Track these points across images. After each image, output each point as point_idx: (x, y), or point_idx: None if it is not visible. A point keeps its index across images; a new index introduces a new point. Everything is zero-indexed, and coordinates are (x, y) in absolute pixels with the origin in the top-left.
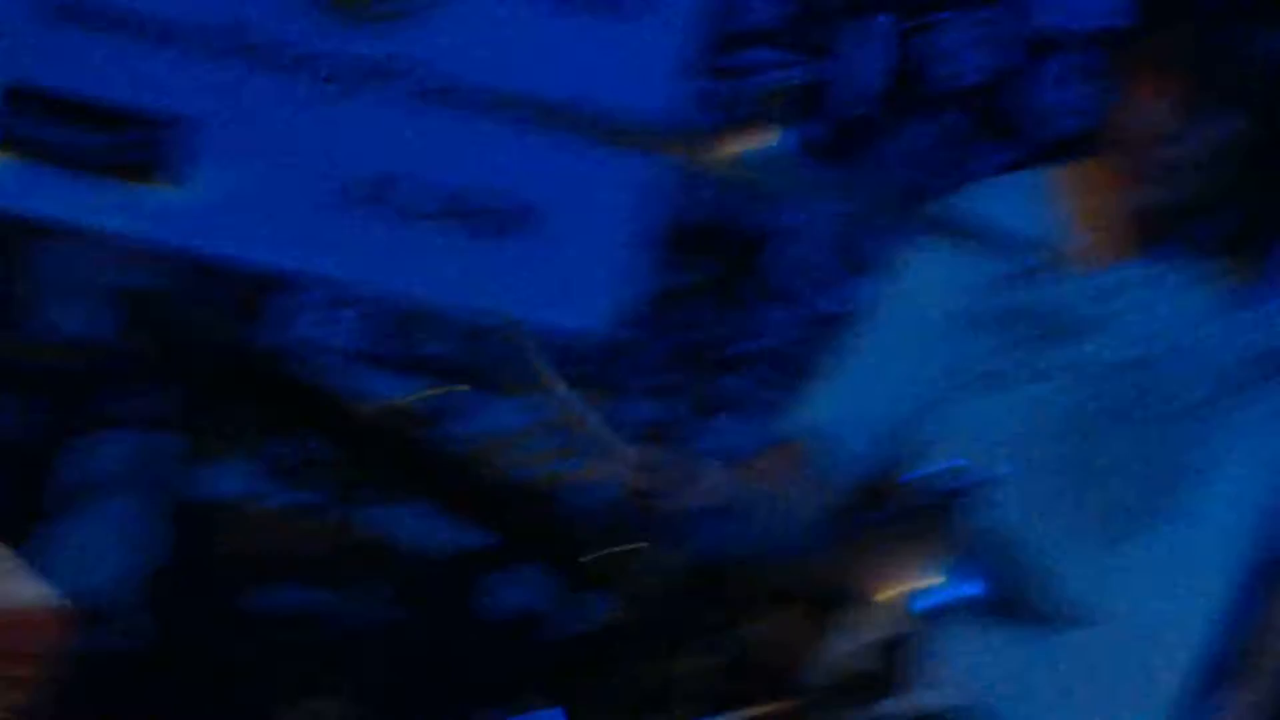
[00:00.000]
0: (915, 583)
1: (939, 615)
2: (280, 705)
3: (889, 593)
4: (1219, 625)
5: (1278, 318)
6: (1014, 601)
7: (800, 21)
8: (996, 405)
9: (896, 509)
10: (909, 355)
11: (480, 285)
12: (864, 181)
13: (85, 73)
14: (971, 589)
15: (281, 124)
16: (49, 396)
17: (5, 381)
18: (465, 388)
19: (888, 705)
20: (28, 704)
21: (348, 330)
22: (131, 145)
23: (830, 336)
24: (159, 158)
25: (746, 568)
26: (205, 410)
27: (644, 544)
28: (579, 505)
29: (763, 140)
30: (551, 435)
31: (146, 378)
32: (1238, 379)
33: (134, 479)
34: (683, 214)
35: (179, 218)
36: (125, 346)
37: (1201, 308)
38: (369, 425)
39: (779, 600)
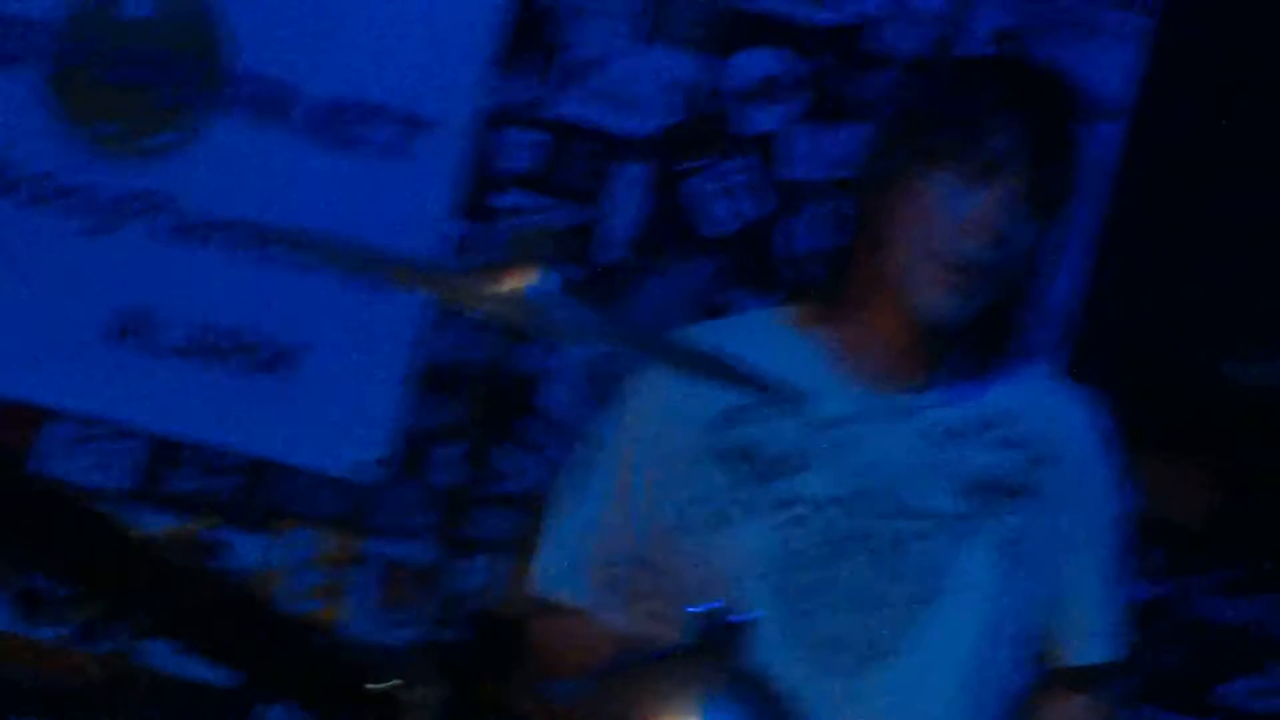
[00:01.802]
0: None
1: None
2: None
3: None
4: None
5: (993, 449)
6: None
7: (560, 167)
8: (724, 541)
9: (652, 651)
10: (641, 493)
11: (237, 424)
12: (624, 324)
13: None
14: None
15: (39, 257)
16: None
17: None
18: (219, 522)
19: None
20: None
21: (104, 465)
22: None
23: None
24: None
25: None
26: None
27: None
28: (344, 641)
29: (522, 282)
30: (316, 572)
31: None
32: (956, 509)
33: None
34: (441, 355)
35: None
36: None
37: (921, 440)
38: (139, 556)
39: None
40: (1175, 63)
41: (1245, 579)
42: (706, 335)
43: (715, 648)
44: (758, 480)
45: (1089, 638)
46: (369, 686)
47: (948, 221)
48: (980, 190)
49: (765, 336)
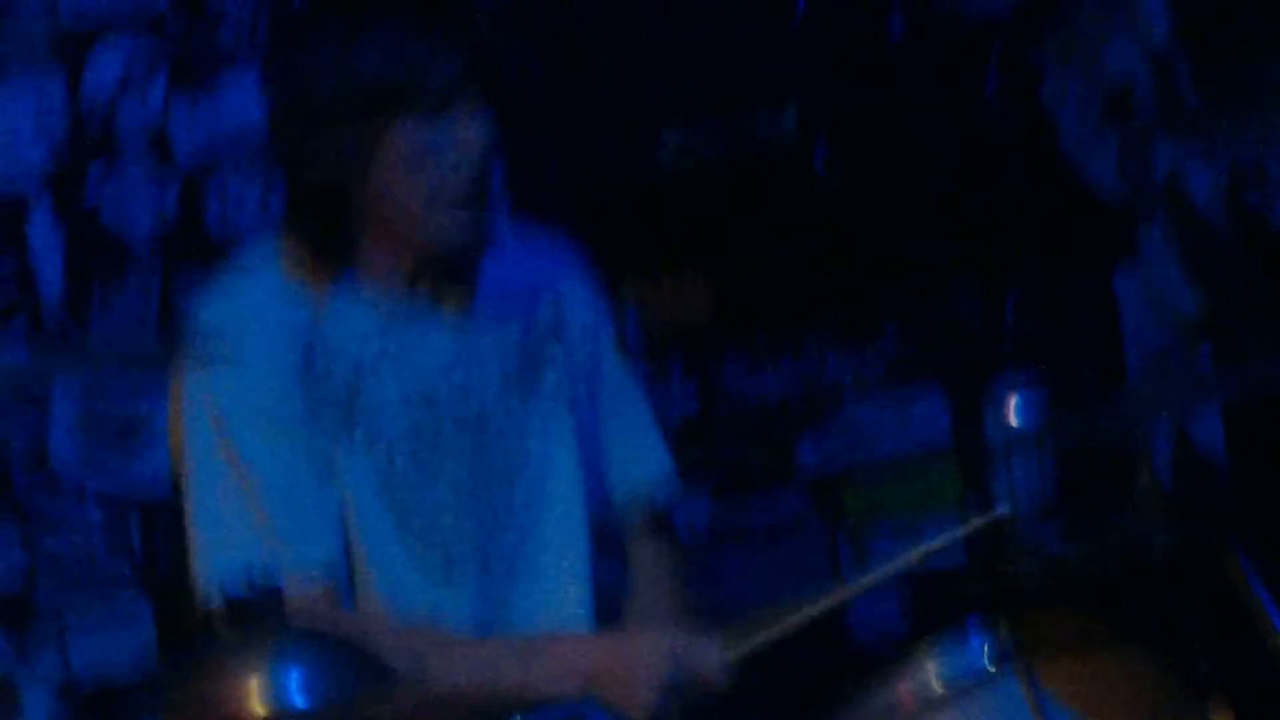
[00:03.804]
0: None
1: None
2: None
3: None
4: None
5: (513, 321)
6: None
7: None
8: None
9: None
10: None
11: None
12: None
13: None
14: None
15: None
16: None
17: None
18: None
19: None
20: None
21: None
22: None
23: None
24: None
25: None
26: None
27: None
28: None
29: None
30: None
31: None
32: (503, 387)
33: None
34: None
35: None
36: None
37: (453, 337)
38: None
39: None
40: None
41: (763, 352)
42: (222, 301)
43: (254, 619)
44: (340, 422)
45: (640, 466)
46: None
47: (435, 167)
48: (447, 122)
49: (277, 286)
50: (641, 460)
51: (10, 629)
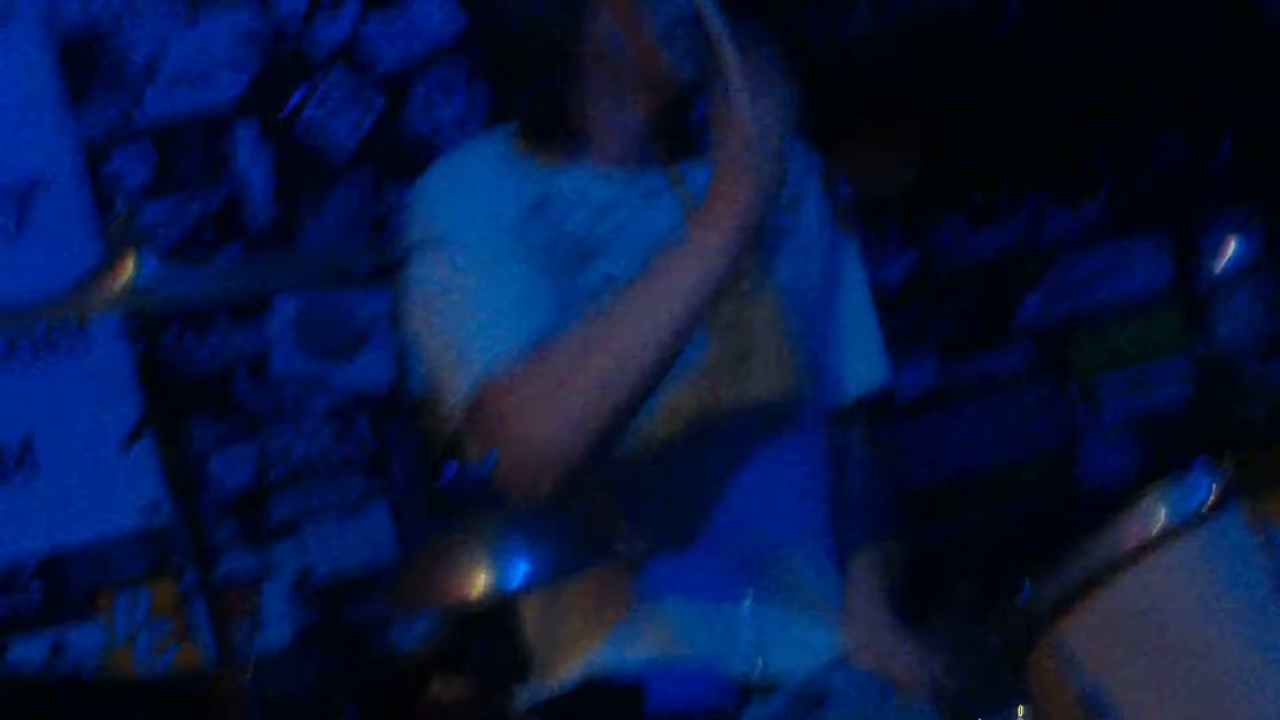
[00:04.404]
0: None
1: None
2: None
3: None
4: None
5: None
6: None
7: (177, 163)
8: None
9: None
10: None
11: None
12: (253, 266)
13: None
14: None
15: None
16: None
17: None
18: None
19: None
20: None
21: None
22: None
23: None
24: None
25: None
26: None
27: None
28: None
29: (128, 272)
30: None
31: None
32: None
33: None
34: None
35: None
36: None
37: (687, 206)
38: None
39: None
40: None
41: (980, 212)
42: (446, 171)
43: (475, 505)
44: (565, 270)
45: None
46: None
47: None
48: None
49: (502, 158)
50: (864, 360)
51: (246, 527)
